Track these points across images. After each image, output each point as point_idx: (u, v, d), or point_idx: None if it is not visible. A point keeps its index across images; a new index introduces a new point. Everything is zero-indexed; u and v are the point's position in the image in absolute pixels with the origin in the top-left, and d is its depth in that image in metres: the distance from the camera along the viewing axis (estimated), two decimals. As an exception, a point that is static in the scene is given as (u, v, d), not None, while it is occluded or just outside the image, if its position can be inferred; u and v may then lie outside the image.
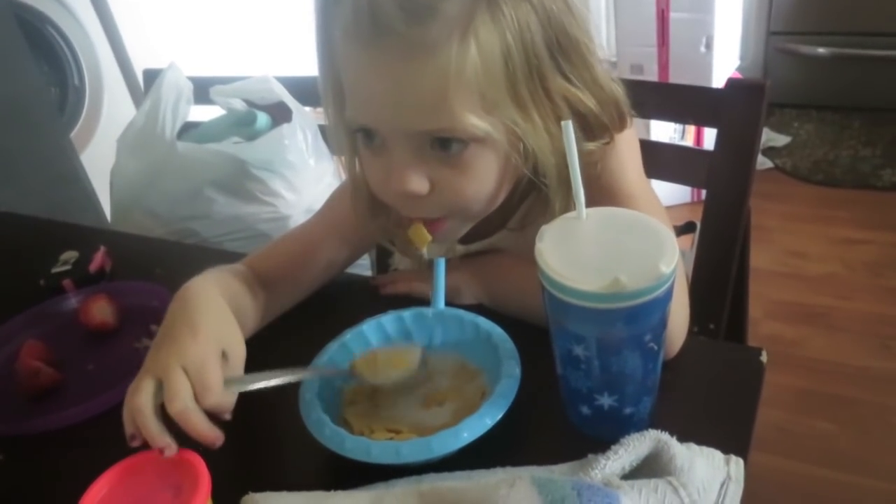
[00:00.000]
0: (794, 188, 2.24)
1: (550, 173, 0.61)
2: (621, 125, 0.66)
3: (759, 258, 1.94)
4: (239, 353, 0.59)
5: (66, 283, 0.82)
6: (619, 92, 0.64)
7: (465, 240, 0.73)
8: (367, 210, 0.69)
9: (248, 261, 0.76)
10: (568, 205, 0.61)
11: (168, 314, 0.60)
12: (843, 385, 1.54)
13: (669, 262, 0.47)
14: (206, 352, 0.55)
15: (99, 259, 0.85)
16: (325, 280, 0.78)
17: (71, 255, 0.85)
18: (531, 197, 0.68)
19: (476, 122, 0.56)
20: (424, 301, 0.69)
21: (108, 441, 0.63)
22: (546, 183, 0.61)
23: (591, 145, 0.63)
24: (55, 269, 0.83)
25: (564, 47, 0.58)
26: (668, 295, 0.48)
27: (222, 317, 0.61)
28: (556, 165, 0.60)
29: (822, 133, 2.46)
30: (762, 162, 2.34)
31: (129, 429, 0.53)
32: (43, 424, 0.65)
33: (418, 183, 0.59)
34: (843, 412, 1.48)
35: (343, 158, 0.68)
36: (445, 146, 0.58)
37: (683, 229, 1.20)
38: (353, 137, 0.63)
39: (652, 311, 0.48)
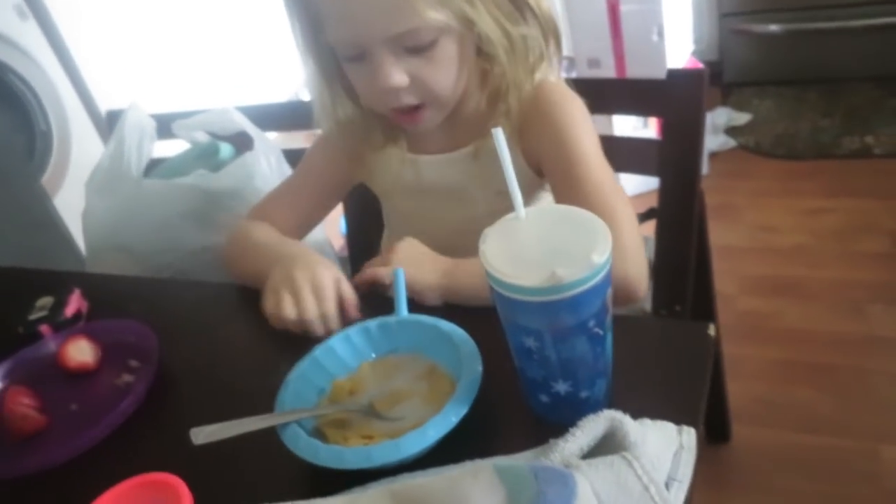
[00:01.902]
0: (758, 164, 2.29)
1: (500, 48, 0.77)
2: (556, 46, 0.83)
3: (730, 236, 1.99)
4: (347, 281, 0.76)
5: (44, 328, 0.84)
6: (545, 4, 0.80)
7: (432, 150, 0.89)
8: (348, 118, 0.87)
9: (263, 218, 0.92)
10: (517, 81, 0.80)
11: (277, 260, 0.78)
12: (820, 352, 1.58)
13: (602, 252, 0.50)
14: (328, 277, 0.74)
15: (75, 302, 0.87)
16: (319, 222, 0.99)
17: (46, 300, 0.87)
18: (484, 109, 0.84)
19: (435, 15, 0.71)
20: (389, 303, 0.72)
21: (96, 476, 0.65)
22: (495, 57, 0.78)
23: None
24: (32, 316, 0.85)
25: None
26: (605, 282, 0.51)
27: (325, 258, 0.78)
28: (501, 40, 0.76)
29: (781, 108, 2.51)
30: (725, 142, 2.39)
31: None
32: (32, 465, 0.67)
33: (399, 77, 0.75)
34: (821, 378, 1.51)
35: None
36: (416, 46, 0.74)
37: (646, 216, 1.23)
38: (329, 63, 0.81)
39: (591, 299, 0.51)
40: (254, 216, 0.93)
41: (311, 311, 0.72)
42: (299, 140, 1.51)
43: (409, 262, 0.76)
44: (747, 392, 1.50)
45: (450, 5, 0.72)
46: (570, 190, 0.80)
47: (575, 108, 0.84)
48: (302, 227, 0.95)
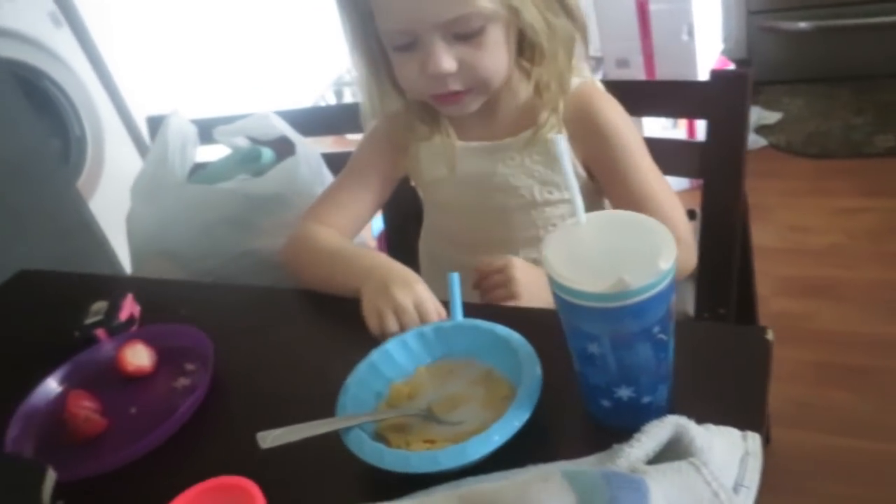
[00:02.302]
0: (789, 164, 2.27)
1: (542, 35, 0.80)
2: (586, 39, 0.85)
3: (762, 236, 1.96)
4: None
5: (100, 332, 0.85)
6: (577, 3, 0.83)
7: (477, 138, 0.91)
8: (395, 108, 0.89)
9: (319, 220, 0.94)
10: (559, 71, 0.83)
11: (365, 274, 0.79)
12: (856, 354, 1.56)
13: (668, 258, 0.50)
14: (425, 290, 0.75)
15: (128, 306, 0.88)
16: (371, 218, 1.01)
17: (101, 305, 0.88)
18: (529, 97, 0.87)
19: (485, 3, 0.75)
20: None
21: (158, 479, 0.67)
22: (538, 46, 0.81)
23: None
24: (88, 321, 0.86)
25: None
26: (670, 288, 0.52)
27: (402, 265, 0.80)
28: (544, 29, 0.80)
29: (812, 106, 2.49)
30: (755, 141, 2.37)
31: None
32: (94, 468, 0.68)
33: (448, 62, 0.78)
34: (859, 381, 1.50)
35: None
36: (466, 33, 0.77)
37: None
38: (377, 56, 0.84)
39: (657, 305, 0.52)
40: (309, 219, 0.95)
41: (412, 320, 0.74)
42: (326, 144, 1.53)
43: (529, 283, 0.77)
44: (783, 394, 1.49)
45: None
46: (623, 191, 0.87)
47: (619, 111, 0.88)
48: (356, 226, 0.97)
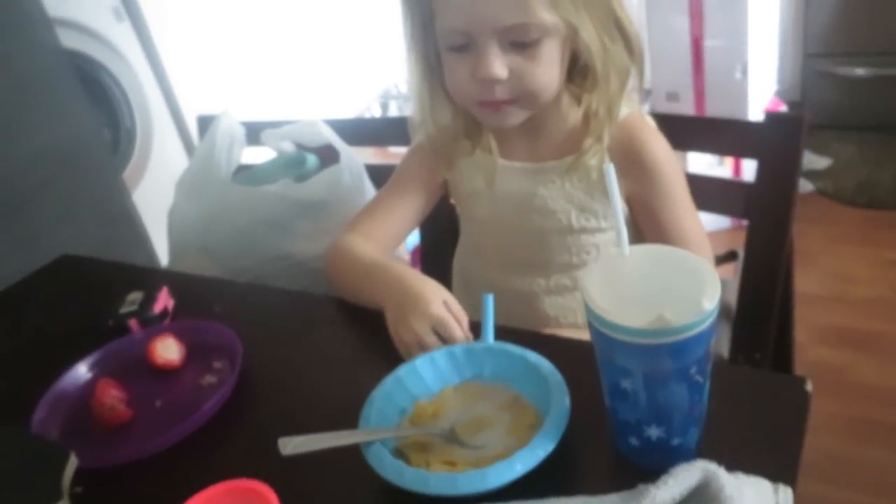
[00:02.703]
0: (837, 211, 2.22)
1: (597, 57, 0.80)
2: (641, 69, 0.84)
3: (804, 282, 1.91)
4: (452, 297, 0.77)
5: (133, 322, 0.86)
6: (636, 27, 0.82)
7: (521, 158, 0.91)
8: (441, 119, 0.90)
9: (361, 231, 0.94)
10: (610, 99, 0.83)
11: (386, 291, 0.79)
12: (894, 412, 1.51)
13: (712, 297, 0.49)
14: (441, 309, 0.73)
15: (163, 299, 0.89)
16: (413, 230, 1.01)
17: (137, 295, 0.89)
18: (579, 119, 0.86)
19: (546, 15, 0.75)
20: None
21: (178, 473, 0.67)
22: (592, 68, 0.81)
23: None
24: (123, 310, 0.88)
25: None
26: (711, 329, 0.50)
27: (425, 278, 0.79)
28: (599, 52, 0.79)
29: (863, 154, 2.43)
30: (802, 185, 2.32)
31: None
32: (118, 458, 0.69)
33: (500, 68, 0.77)
34: (895, 440, 1.45)
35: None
36: (522, 42, 0.77)
37: (725, 258, 1.21)
38: (432, 61, 0.84)
39: (696, 346, 0.50)
40: (351, 230, 0.95)
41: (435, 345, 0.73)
42: (366, 155, 1.54)
43: None
44: (816, 446, 1.42)
45: (559, 9, 0.76)
46: (656, 226, 0.87)
47: (664, 146, 0.87)
48: (397, 239, 0.97)
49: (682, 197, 0.87)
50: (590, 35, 0.78)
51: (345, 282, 0.89)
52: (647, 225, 0.88)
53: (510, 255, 0.94)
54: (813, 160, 2.44)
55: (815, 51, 2.53)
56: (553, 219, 0.89)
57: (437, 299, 0.75)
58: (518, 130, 0.89)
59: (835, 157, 2.45)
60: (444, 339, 0.72)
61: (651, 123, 0.89)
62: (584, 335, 0.57)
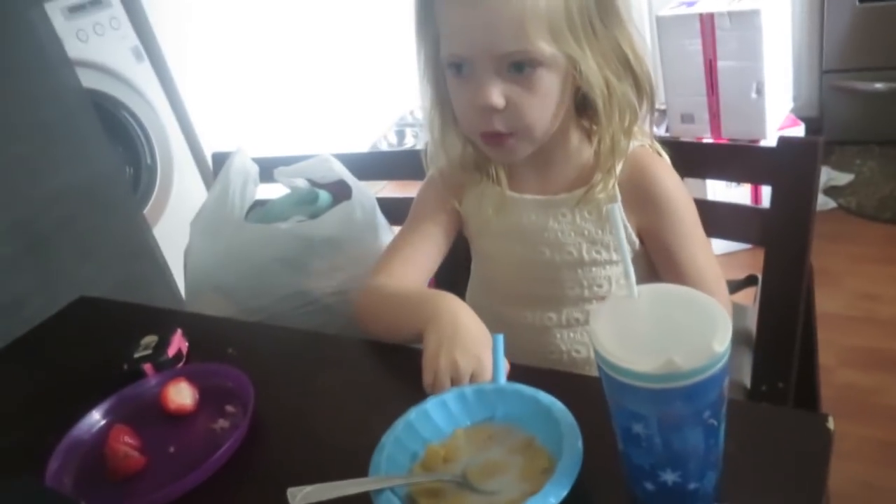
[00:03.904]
0: (860, 228, 2.18)
1: (598, 93, 0.78)
2: (650, 103, 0.84)
3: (829, 303, 1.88)
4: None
5: (147, 367, 0.87)
6: (647, 66, 0.82)
7: (530, 192, 0.90)
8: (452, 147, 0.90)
9: (389, 273, 0.93)
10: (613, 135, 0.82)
11: (435, 318, 0.77)
12: (928, 435, 1.47)
13: (722, 340, 0.48)
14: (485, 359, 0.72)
15: (177, 342, 0.90)
16: (439, 261, 0.98)
17: (151, 339, 0.90)
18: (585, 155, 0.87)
19: (545, 47, 0.75)
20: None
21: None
22: (595, 101, 0.79)
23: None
24: (137, 354, 0.88)
25: (605, 3, 0.79)
26: (723, 372, 0.49)
27: (479, 321, 0.78)
28: (602, 87, 0.78)
29: (886, 169, 2.40)
30: (824, 202, 2.29)
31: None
32: (130, 507, 0.68)
33: (497, 96, 0.77)
34: (930, 464, 1.41)
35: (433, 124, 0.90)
36: (520, 69, 0.77)
37: (744, 283, 1.19)
38: (443, 89, 0.84)
39: (709, 389, 0.49)
40: (379, 273, 0.94)
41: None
42: (380, 186, 1.55)
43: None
44: (845, 472, 1.40)
45: (560, 42, 0.76)
46: (669, 262, 0.86)
47: (675, 179, 0.87)
48: (424, 278, 0.97)
49: (694, 232, 0.86)
50: (590, 70, 0.78)
51: (380, 318, 0.88)
52: (659, 260, 0.87)
53: (521, 289, 0.93)
54: (834, 176, 2.41)
55: (831, 67, 2.51)
56: (564, 252, 0.88)
57: (489, 347, 0.72)
58: (528, 164, 0.88)
59: (856, 172, 2.41)
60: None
61: (666, 160, 0.88)
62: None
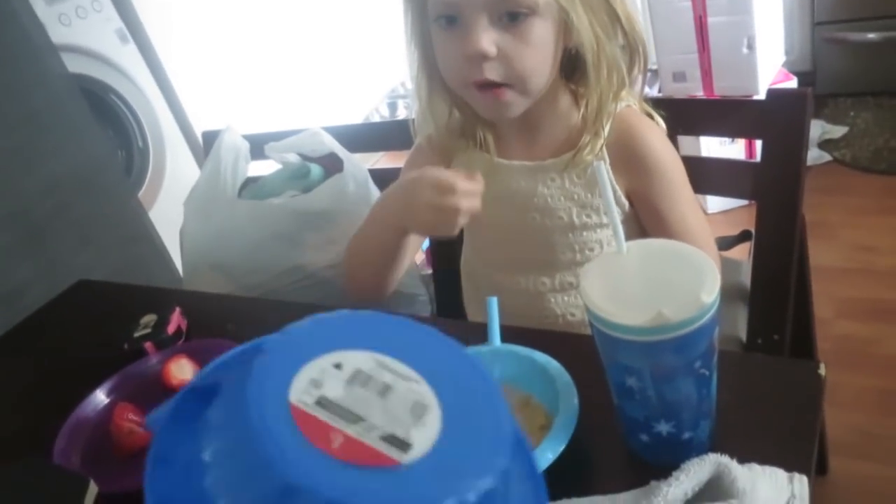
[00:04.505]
0: (855, 180, 2.18)
1: (588, 48, 0.78)
2: (642, 66, 0.84)
3: (825, 256, 1.89)
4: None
5: (148, 345, 0.87)
6: (639, 27, 0.82)
7: (519, 157, 0.90)
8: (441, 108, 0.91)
9: None
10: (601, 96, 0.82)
11: (391, 214, 0.89)
12: (924, 383, 1.49)
13: (710, 291, 0.49)
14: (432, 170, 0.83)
15: (175, 320, 0.90)
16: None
17: (150, 318, 0.90)
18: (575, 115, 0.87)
19: None
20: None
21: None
22: (585, 57, 0.79)
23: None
24: (137, 333, 0.89)
25: None
26: (712, 323, 0.50)
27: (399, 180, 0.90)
28: (592, 42, 0.78)
29: (880, 120, 2.39)
30: (819, 156, 2.29)
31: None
32: (138, 482, 0.69)
33: (488, 43, 0.76)
34: (926, 411, 1.43)
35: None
36: (514, 17, 0.76)
37: (739, 238, 1.19)
38: (430, 52, 0.84)
39: (698, 340, 0.50)
40: None
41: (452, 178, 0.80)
42: (376, 158, 1.54)
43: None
44: (844, 422, 1.42)
45: None
46: (658, 221, 0.87)
47: (663, 139, 0.86)
48: (413, 246, 0.98)
49: (683, 191, 0.86)
50: (581, 23, 0.77)
51: (360, 253, 0.96)
52: (649, 222, 0.87)
53: (514, 255, 0.93)
54: (829, 129, 2.40)
55: (823, 18, 2.48)
56: (554, 217, 0.88)
57: (420, 172, 0.83)
58: (515, 129, 0.88)
59: (851, 124, 2.41)
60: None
61: (659, 122, 0.88)
62: (591, 332, 0.56)
